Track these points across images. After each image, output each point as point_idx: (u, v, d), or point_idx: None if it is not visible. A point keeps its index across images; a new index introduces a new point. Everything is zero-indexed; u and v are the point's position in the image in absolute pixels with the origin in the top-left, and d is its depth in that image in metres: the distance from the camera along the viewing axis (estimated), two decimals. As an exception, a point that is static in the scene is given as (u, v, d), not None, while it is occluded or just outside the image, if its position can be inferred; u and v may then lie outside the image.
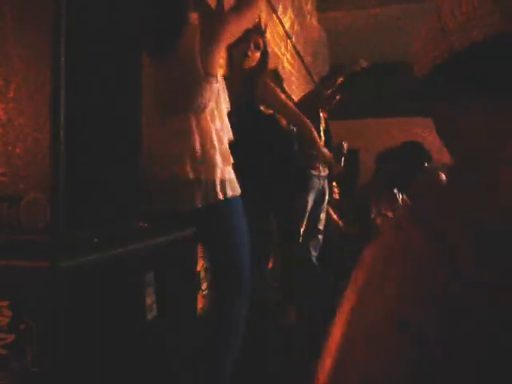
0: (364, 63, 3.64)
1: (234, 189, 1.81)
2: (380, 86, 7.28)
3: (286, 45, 5.31)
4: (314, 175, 3.67)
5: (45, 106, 1.15)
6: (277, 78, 3.81)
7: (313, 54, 6.57)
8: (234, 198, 1.80)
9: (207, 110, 1.78)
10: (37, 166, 1.17)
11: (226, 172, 1.79)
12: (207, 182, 1.73)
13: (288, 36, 5.28)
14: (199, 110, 1.75)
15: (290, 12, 5.17)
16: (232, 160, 1.83)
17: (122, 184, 1.47)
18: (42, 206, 1.13)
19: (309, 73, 6.27)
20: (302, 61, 5.98)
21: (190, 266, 1.75)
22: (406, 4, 5.80)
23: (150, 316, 1.35)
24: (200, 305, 2.21)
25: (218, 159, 1.75)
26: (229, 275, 1.83)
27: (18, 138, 1.19)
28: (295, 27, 5.50)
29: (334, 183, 5.16)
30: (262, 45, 2.58)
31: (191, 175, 1.71)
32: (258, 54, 2.58)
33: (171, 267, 1.51)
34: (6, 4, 1.20)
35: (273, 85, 2.66)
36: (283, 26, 4.98)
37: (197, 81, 1.73)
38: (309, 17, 5.99)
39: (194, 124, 1.74)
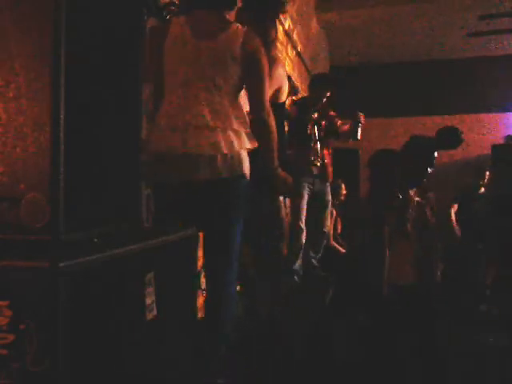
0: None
1: (247, 168, 1.94)
2: (380, 86, 7.28)
3: (286, 45, 5.31)
4: (303, 179, 3.66)
5: (45, 106, 1.15)
6: None
7: (313, 54, 6.56)
8: (245, 177, 1.93)
9: (241, 93, 1.95)
10: (37, 166, 1.17)
11: (245, 153, 1.93)
12: (233, 157, 1.86)
13: (288, 36, 5.28)
14: (236, 92, 1.91)
15: (290, 12, 5.17)
16: (256, 144, 1.95)
17: (122, 184, 1.46)
18: (42, 206, 1.13)
19: (309, 73, 6.27)
20: (302, 61, 5.98)
21: (190, 265, 1.75)
22: (406, 4, 5.80)
23: (150, 316, 1.35)
24: (200, 304, 2.21)
25: (245, 139, 1.89)
26: (220, 249, 1.93)
27: (17, 138, 1.19)
28: (295, 27, 5.50)
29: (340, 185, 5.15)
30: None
31: (224, 149, 1.83)
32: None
33: (171, 267, 1.51)
34: (5, 3, 1.20)
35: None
36: (283, 26, 4.98)
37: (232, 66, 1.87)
38: (309, 17, 5.99)
39: (231, 102, 1.88)
